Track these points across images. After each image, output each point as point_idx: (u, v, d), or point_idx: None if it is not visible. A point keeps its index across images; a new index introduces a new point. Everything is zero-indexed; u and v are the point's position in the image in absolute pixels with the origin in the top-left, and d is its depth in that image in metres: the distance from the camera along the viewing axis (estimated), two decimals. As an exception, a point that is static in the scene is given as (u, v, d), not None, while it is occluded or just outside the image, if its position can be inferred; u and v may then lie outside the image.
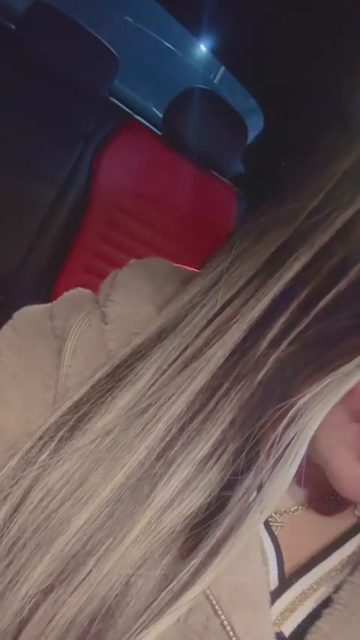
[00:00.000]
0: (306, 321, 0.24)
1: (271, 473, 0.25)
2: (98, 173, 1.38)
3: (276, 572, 0.31)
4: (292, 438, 0.24)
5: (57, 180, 1.37)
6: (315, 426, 0.24)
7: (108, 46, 1.40)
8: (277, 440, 0.24)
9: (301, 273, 0.25)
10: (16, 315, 0.37)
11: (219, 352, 0.26)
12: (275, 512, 0.33)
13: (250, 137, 1.50)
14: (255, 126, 1.51)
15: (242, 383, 0.25)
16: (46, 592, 0.27)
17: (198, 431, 0.26)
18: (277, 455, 0.24)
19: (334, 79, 1.16)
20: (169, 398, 0.27)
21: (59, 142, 1.38)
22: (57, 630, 0.26)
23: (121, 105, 1.58)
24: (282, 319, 0.24)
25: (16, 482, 0.28)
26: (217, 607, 0.28)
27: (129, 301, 0.35)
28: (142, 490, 0.27)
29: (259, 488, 0.26)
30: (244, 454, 0.26)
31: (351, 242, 0.23)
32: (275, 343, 0.25)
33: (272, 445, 0.24)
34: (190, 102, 1.41)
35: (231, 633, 0.27)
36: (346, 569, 0.31)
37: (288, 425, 0.24)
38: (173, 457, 0.27)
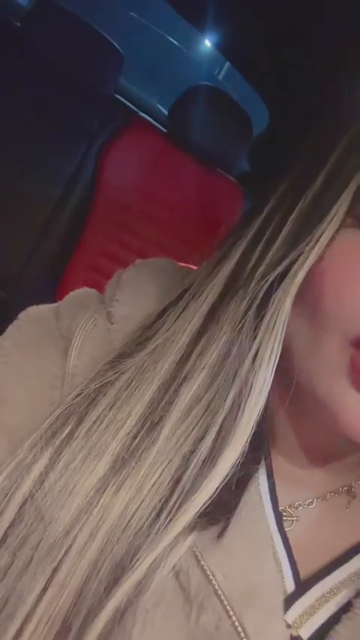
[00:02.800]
0: (279, 240, 0.30)
1: (258, 349, 0.29)
2: (103, 171, 1.38)
3: (290, 572, 0.30)
4: (271, 315, 0.29)
5: (62, 178, 1.37)
6: (288, 302, 0.28)
7: (113, 42, 1.39)
8: (257, 318, 0.29)
9: (273, 207, 0.32)
10: (22, 315, 0.37)
11: (217, 283, 0.31)
12: (289, 506, 0.33)
13: (255, 133, 1.49)
14: (260, 122, 1.50)
15: (237, 297, 0.30)
16: (98, 496, 0.28)
17: (207, 340, 0.30)
18: (261, 334, 0.29)
19: (340, 73, 1.15)
20: (184, 325, 0.31)
21: (64, 139, 1.38)
22: (104, 530, 0.28)
23: (126, 102, 1.58)
24: (261, 245, 0.31)
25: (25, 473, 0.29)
26: (228, 607, 0.28)
27: (134, 301, 0.35)
28: (171, 396, 0.29)
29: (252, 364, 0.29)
30: (243, 347, 0.29)
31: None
32: (258, 261, 0.30)
33: (254, 324, 0.29)
34: (195, 99, 1.40)
35: (242, 634, 0.27)
36: None
37: (261, 307, 0.29)
38: (191, 365, 0.30)
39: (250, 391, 0.28)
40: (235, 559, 0.29)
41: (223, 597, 0.28)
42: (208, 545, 0.29)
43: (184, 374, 0.30)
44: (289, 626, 0.29)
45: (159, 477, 0.28)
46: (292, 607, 0.29)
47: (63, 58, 1.32)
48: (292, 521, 0.33)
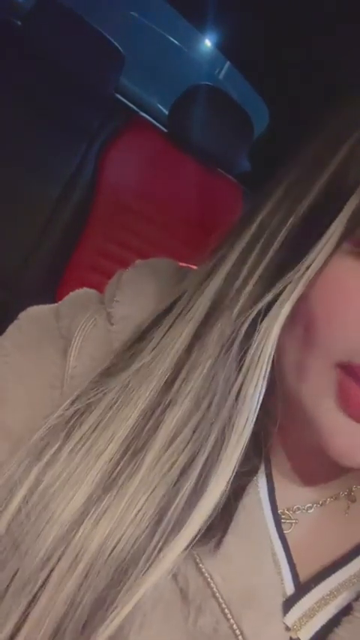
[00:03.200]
0: (265, 261, 0.29)
1: (243, 382, 0.28)
2: (103, 171, 1.38)
3: (289, 575, 0.30)
4: (258, 343, 0.27)
5: (62, 178, 1.37)
6: (275, 330, 0.27)
7: (114, 42, 1.39)
8: (244, 345, 0.28)
9: (257, 229, 0.30)
10: (22, 315, 0.37)
11: (203, 302, 0.30)
12: (288, 509, 0.33)
13: (256, 133, 1.49)
14: (261, 122, 1.50)
15: (222, 319, 0.29)
16: (77, 527, 0.27)
17: (192, 365, 0.29)
18: (247, 362, 0.28)
19: (341, 72, 1.15)
20: (168, 347, 0.30)
21: (64, 139, 1.38)
22: (84, 562, 0.27)
23: (126, 102, 1.58)
24: (247, 264, 0.30)
25: (25, 472, 0.28)
26: (226, 610, 0.28)
27: (134, 302, 0.35)
28: (155, 422, 0.28)
29: (236, 399, 0.28)
30: (229, 376, 0.28)
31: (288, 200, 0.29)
32: (244, 282, 0.29)
33: (242, 356, 0.28)
34: (196, 99, 1.40)
35: (240, 637, 0.27)
36: None
37: (249, 334, 0.28)
38: (176, 391, 0.29)
39: (235, 423, 0.28)
40: (233, 562, 0.29)
41: (221, 600, 0.28)
42: (205, 549, 0.29)
43: (168, 399, 0.29)
44: (288, 628, 0.29)
45: (141, 507, 0.27)
46: (291, 609, 0.29)
47: (63, 58, 1.32)
48: (291, 524, 0.32)
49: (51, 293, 1.29)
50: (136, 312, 0.34)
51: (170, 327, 0.31)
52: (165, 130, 1.48)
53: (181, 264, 0.42)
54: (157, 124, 1.53)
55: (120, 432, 0.28)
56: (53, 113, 1.36)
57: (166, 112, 1.50)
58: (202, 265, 0.32)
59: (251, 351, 0.28)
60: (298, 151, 0.31)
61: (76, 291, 0.40)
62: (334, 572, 0.31)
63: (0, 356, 0.35)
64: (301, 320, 0.27)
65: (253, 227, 0.30)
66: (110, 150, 1.39)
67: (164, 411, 0.28)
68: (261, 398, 0.28)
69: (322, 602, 0.30)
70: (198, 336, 0.29)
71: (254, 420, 0.28)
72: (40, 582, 0.27)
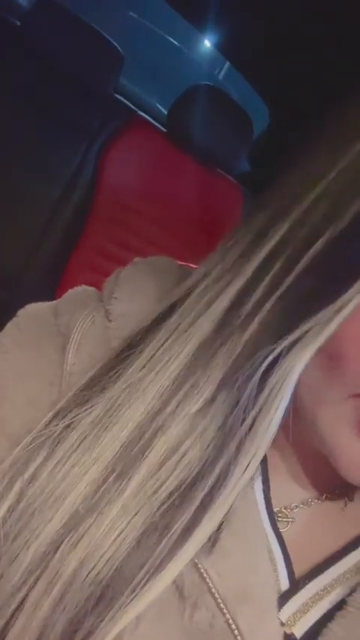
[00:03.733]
0: (285, 284, 0.26)
1: (256, 419, 0.26)
2: (103, 170, 1.38)
3: (285, 572, 0.30)
4: (276, 383, 0.25)
5: (62, 178, 1.37)
6: (297, 371, 0.25)
7: (113, 42, 1.40)
8: (260, 385, 0.25)
9: (279, 244, 0.27)
10: (21, 312, 0.37)
11: (208, 320, 0.28)
12: (285, 507, 0.33)
13: (256, 133, 1.49)
14: (260, 122, 1.50)
15: (229, 343, 0.27)
16: (55, 549, 0.26)
17: (192, 386, 0.27)
18: (262, 400, 0.26)
19: (340, 73, 1.15)
20: (164, 364, 0.28)
21: (64, 139, 1.38)
22: (60, 585, 0.26)
23: (126, 102, 1.58)
24: (264, 283, 0.26)
25: (22, 467, 0.28)
26: (222, 605, 0.28)
27: (133, 299, 0.35)
28: (143, 445, 0.27)
29: (246, 435, 0.26)
30: (236, 409, 0.26)
31: (318, 213, 0.26)
32: (259, 304, 0.26)
33: (257, 392, 0.26)
34: (195, 99, 1.40)
35: (236, 632, 0.27)
36: None
37: (270, 368, 0.25)
38: (170, 413, 0.27)
39: (239, 461, 0.26)
40: (229, 558, 0.29)
41: (217, 595, 0.28)
42: (202, 545, 0.28)
43: (160, 421, 0.27)
44: (282, 624, 0.29)
45: (121, 532, 0.26)
46: (285, 605, 0.29)
47: (63, 58, 1.33)
48: (288, 522, 0.32)
49: (51, 292, 1.29)
50: (134, 310, 0.34)
51: (167, 340, 0.29)
52: (164, 130, 1.49)
53: (180, 263, 0.42)
54: (157, 124, 1.54)
55: (106, 452, 0.27)
56: (53, 113, 1.36)
57: (166, 112, 1.50)
58: (207, 269, 0.30)
59: (270, 384, 0.25)
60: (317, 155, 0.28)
61: (75, 288, 0.40)
62: (327, 568, 0.31)
63: None
64: (326, 350, 0.25)
65: (273, 241, 0.27)
66: (110, 150, 1.39)
67: (154, 434, 0.27)
68: (272, 438, 0.26)
69: (316, 597, 0.30)
70: (199, 357, 0.27)
71: (260, 459, 0.27)
72: (14, 606, 0.26)
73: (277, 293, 0.26)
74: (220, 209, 1.43)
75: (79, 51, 1.34)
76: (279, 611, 0.29)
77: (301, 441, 0.32)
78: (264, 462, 0.33)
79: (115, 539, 0.26)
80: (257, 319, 0.26)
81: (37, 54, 1.32)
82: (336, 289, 0.24)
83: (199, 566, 0.28)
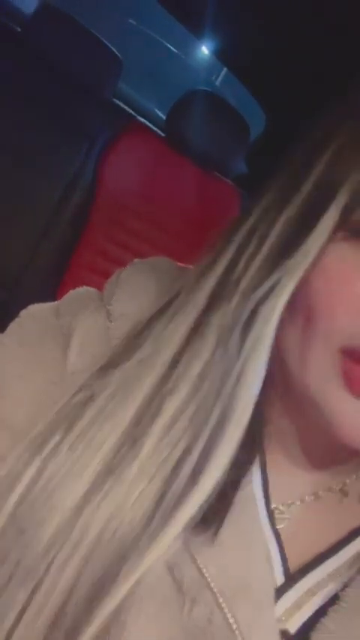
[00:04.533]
0: (263, 252, 0.30)
1: (242, 370, 0.28)
2: (102, 174, 1.39)
3: (280, 567, 0.31)
4: (257, 334, 0.28)
5: (62, 181, 1.37)
6: (274, 320, 0.28)
7: (112, 48, 1.41)
8: (242, 338, 0.28)
9: (256, 222, 0.31)
10: (23, 313, 0.38)
11: (203, 294, 0.31)
12: (282, 504, 0.33)
13: (253, 136, 1.50)
14: (257, 126, 1.51)
15: (221, 311, 0.30)
16: (79, 511, 0.28)
17: (193, 354, 0.29)
18: (246, 352, 0.28)
19: (336, 77, 1.16)
20: (169, 338, 0.30)
21: (64, 142, 1.39)
22: (86, 545, 0.27)
23: (124, 107, 1.59)
24: (247, 252, 0.30)
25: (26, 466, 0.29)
26: (220, 600, 0.28)
27: (133, 299, 0.36)
28: (154, 411, 0.29)
29: (236, 384, 0.28)
30: (226, 365, 0.29)
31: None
32: (244, 271, 0.30)
33: (241, 345, 0.28)
34: (193, 104, 1.41)
35: (234, 626, 0.28)
36: (355, 565, 0.31)
37: (248, 322, 0.28)
38: (175, 378, 0.29)
39: (234, 409, 0.28)
40: (227, 554, 0.29)
41: (215, 590, 0.28)
42: (200, 541, 0.29)
43: (168, 387, 0.29)
44: (278, 619, 0.29)
45: (140, 493, 0.28)
46: (279, 600, 0.30)
47: (63, 63, 1.34)
48: (284, 519, 0.33)
49: (51, 293, 1.29)
50: (134, 310, 0.35)
51: (170, 321, 0.31)
52: (162, 135, 1.50)
53: (179, 264, 0.42)
54: (155, 129, 1.55)
55: (121, 422, 0.29)
56: (53, 117, 1.37)
57: (164, 117, 1.51)
58: (200, 262, 0.33)
59: (251, 338, 0.28)
60: (289, 154, 0.32)
61: (77, 289, 0.40)
62: (322, 563, 0.31)
63: (1, 353, 0.35)
64: (300, 310, 0.28)
65: (249, 223, 0.31)
66: (109, 153, 1.40)
67: (163, 399, 0.29)
68: (260, 383, 0.28)
69: (310, 592, 0.30)
70: (197, 327, 0.30)
71: (253, 406, 0.28)
72: (42, 569, 0.27)
73: (256, 260, 0.29)
74: (217, 210, 1.44)
75: (79, 56, 1.35)
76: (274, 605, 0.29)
77: (298, 434, 0.33)
78: (262, 457, 0.33)
79: (135, 500, 0.28)
80: (241, 286, 0.29)
81: (38, 59, 1.33)
82: (296, 246, 0.28)
83: (199, 561, 0.29)
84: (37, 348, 0.35)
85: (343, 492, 0.34)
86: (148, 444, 0.28)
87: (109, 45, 1.41)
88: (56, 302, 0.39)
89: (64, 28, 1.34)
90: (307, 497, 0.34)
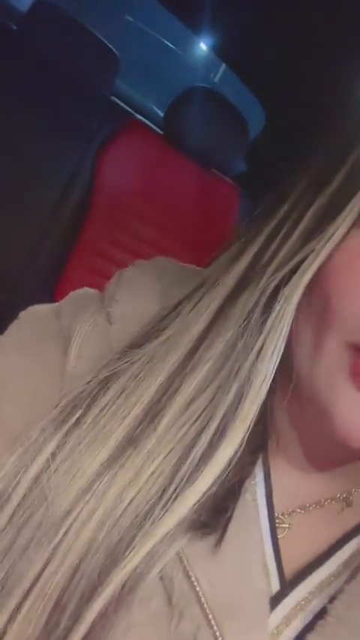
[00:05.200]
0: (296, 234, 0.30)
1: (263, 346, 0.29)
2: (100, 172, 1.38)
3: (278, 584, 0.30)
4: (278, 311, 0.29)
5: (60, 179, 1.37)
6: (296, 298, 0.29)
7: (109, 45, 1.40)
8: (264, 315, 0.29)
9: (291, 206, 0.32)
10: (23, 314, 0.37)
11: (232, 277, 0.32)
12: (283, 513, 0.33)
13: (252, 134, 1.49)
14: (256, 123, 1.51)
15: (248, 292, 0.30)
16: (98, 480, 0.29)
17: (216, 334, 0.30)
18: (268, 328, 0.29)
19: (336, 74, 1.16)
20: (195, 318, 0.31)
21: (61, 141, 1.38)
22: (101, 511, 0.28)
23: (122, 104, 1.58)
24: (279, 237, 0.31)
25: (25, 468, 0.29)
26: (210, 616, 0.27)
27: (134, 301, 0.35)
28: (174, 388, 0.30)
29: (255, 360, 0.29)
30: (246, 342, 0.30)
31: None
32: (274, 254, 0.31)
33: (262, 322, 0.29)
34: (191, 101, 1.41)
35: None
36: (343, 574, 0.30)
37: (272, 300, 0.29)
38: (198, 358, 0.30)
39: (251, 385, 0.29)
40: (223, 568, 0.29)
41: (205, 606, 0.28)
42: (196, 552, 0.29)
43: (190, 366, 0.30)
44: (270, 634, 0.28)
45: (157, 466, 0.28)
46: (273, 611, 0.29)
47: (59, 61, 1.33)
48: (285, 528, 0.32)
49: (49, 294, 1.29)
50: (135, 311, 0.34)
51: (197, 302, 0.32)
52: (161, 132, 1.49)
53: (182, 264, 0.42)
54: (154, 126, 1.54)
55: (144, 397, 0.30)
56: (50, 116, 1.36)
57: (162, 115, 1.51)
58: (228, 250, 0.33)
59: (272, 316, 0.29)
60: (324, 140, 0.33)
61: (78, 290, 0.40)
62: (308, 575, 0.30)
63: (0, 354, 0.35)
64: (318, 296, 0.28)
65: (282, 211, 0.32)
66: (107, 151, 1.39)
67: (185, 377, 0.30)
68: (278, 360, 0.29)
69: (298, 607, 0.29)
70: (223, 309, 0.31)
71: (270, 381, 0.29)
72: (62, 531, 0.28)
73: (287, 245, 0.30)
74: (217, 209, 1.43)
75: (76, 53, 1.34)
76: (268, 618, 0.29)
77: (305, 442, 0.32)
78: (267, 466, 0.33)
79: (153, 472, 0.28)
80: (269, 270, 0.30)
81: (34, 57, 1.33)
82: (321, 228, 0.29)
83: (191, 574, 0.28)
84: (37, 349, 0.35)
85: (347, 502, 0.34)
86: (167, 417, 0.29)
87: (106, 41, 1.40)
88: (57, 303, 0.39)
89: (60, 25, 1.34)
90: (308, 506, 0.33)
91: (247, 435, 0.29)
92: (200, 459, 0.28)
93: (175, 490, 0.28)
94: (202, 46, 2.42)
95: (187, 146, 1.40)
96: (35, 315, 0.37)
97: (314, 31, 1.15)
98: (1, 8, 1.52)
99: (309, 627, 0.28)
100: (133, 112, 1.59)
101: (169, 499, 0.28)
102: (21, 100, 1.33)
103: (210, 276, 0.33)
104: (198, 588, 0.28)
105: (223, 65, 2.32)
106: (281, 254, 0.30)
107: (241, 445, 0.29)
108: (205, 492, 0.28)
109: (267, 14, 1.20)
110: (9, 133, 1.31)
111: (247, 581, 0.29)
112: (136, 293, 0.36)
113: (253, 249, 0.32)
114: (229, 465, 0.28)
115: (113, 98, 1.56)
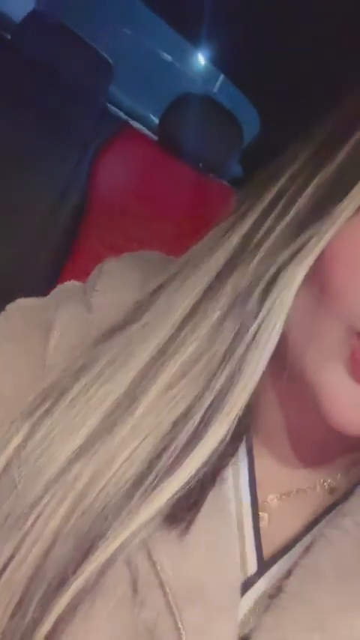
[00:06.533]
0: (292, 210, 0.28)
1: (258, 332, 0.27)
2: (96, 178, 1.39)
3: (255, 567, 0.29)
4: (277, 296, 0.27)
5: (56, 187, 1.37)
6: (296, 283, 0.26)
7: (101, 52, 1.42)
8: (261, 299, 0.27)
9: (286, 182, 0.30)
10: (10, 306, 0.37)
11: (222, 254, 0.29)
12: (267, 500, 0.32)
13: (248, 138, 1.50)
14: (252, 127, 1.51)
15: (238, 270, 0.28)
16: (70, 466, 0.28)
17: (202, 316, 0.28)
18: (264, 313, 0.27)
19: (335, 82, 1.16)
20: (180, 299, 0.29)
21: (56, 149, 1.39)
22: (71, 499, 0.27)
23: (118, 111, 1.60)
24: (273, 214, 0.29)
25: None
26: (172, 603, 0.27)
27: (115, 290, 0.35)
28: (155, 370, 0.28)
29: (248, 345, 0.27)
30: (240, 327, 0.27)
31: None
32: (268, 232, 0.29)
33: (259, 306, 0.27)
34: (185, 106, 1.42)
35: (182, 632, 0.26)
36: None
37: (271, 284, 0.27)
38: (181, 341, 0.28)
39: (241, 373, 0.27)
40: (189, 554, 0.28)
41: (167, 591, 0.27)
42: (162, 537, 0.28)
43: (171, 349, 0.28)
44: (241, 622, 0.28)
45: (132, 452, 0.27)
46: (248, 592, 0.28)
47: (54, 69, 1.34)
48: (266, 516, 0.31)
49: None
50: (115, 300, 0.34)
51: (181, 284, 0.30)
52: (156, 138, 1.50)
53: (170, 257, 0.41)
54: (149, 133, 1.56)
55: (122, 382, 0.28)
56: (46, 123, 1.37)
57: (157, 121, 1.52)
58: (220, 223, 0.31)
59: (269, 301, 0.27)
60: (328, 114, 0.31)
61: (64, 283, 0.40)
62: (282, 557, 0.30)
63: None
64: (318, 279, 0.26)
65: (278, 184, 0.30)
66: (103, 158, 1.40)
67: (165, 360, 0.28)
68: (273, 348, 0.27)
69: (264, 595, 0.28)
70: (209, 290, 0.29)
71: (262, 372, 0.27)
72: (30, 521, 0.27)
73: (283, 222, 0.28)
74: (214, 212, 1.43)
75: (69, 62, 1.35)
76: (242, 596, 0.28)
77: (292, 429, 0.32)
78: (250, 450, 0.32)
79: (127, 458, 0.27)
80: (263, 248, 0.28)
81: (28, 66, 1.34)
82: (324, 212, 0.26)
83: (155, 559, 0.28)
84: (22, 341, 0.34)
85: (331, 487, 0.33)
86: (144, 402, 0.28)
87: (99, 49, 1.41)
88: (45, 297, 0.39)
89: (53, 34, 1.36)
90: (292, 492, 0.32)
91: (232, 427, 0.27)
92: (181, 449, 0.27)
93: (153, 481, 0.27)
94: (200, 58, 2.44)
95: (181, 150, 1.41)
96: (22, 308, 0.38)
97: (312, 40, 1.16)
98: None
99: (266, 607, 0.27)
100: (128, 118, 1.61)
101: (146, 489, 0.26)
102: (16, 108, 1.35)
103: (195, 256, 0.31)
104: (161, 574, 0.27)
105: (221, 77, 2.35)
106: (274, 234, 0.28)
107: (226, 437, 0.27)
108: (185, 485, 0.27)
109: (264, 24, 1.22)
110: (4, 140, 1.32)
111: (215, 567, 0.28)
112: (116, 282, 0.36)
113: (244, 227, 0.29)
114: (211, 457, 0.27)
115: (110, 106, 1.57)
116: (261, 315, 0.27)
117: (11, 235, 1.35)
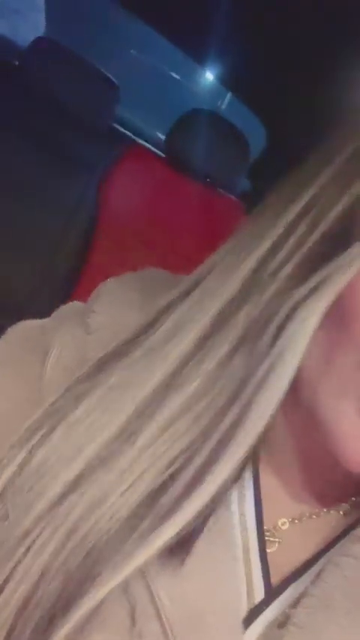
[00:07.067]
0: (309, 242, 0.26)
1: (270, 371, 0.25)
2: (105, 201, 1.40)
3: (263, 594, 0.28)
4: (292, 333, 0.25)
5: (65, 208, 1.39)
6: (313, 321, 0.24)
7: (107, 74, 1.44)
8: (275, 337, 0.25)
9: (305, 207, 0.27)
10: (10, 330, 0.37)
11: (234, 282, 0.28)
12: (274, 527, 0.31)
13: (255, 153, 1.51)
14: (259, 142, 1.52)
15: (251, 303, 0.27)
16: (64, 497, 0.26)
17: (210, 347, 0.27)
18: (277, 352, 0.25)
19: (341, 97, 1.17)
20: (188, 327, 0.27)
21: (65, 171, 1.41)
22: (63, 532, 0.26)
23: (125, 131, 1.62)
24: (289, 244, 0.27)
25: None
26: (169, 632, 0.25)
27: (112, 311, 0.34)
28: (158, 403, 0.27)
29: (257, 387, 0.25)
30: (251, 364, 0.26)
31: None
32: (282, 264, 0.27)
33: (272, 344, 0.25)
34: (191, 123, 1.43)
35: None
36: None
37: (286, 321, 0.25)
38: (187, 373, 0.27)
39: (250, 412, 0.25)
40: (189, 582, 0.27)
41: (164, 621, 0.26)
42: (161, 564, 0.26)
43: (177, 381, 0.27)
44: None
45: (128, 487, 0.26)
46: (255, 622, 0.27)
47: (60, 93, 1.37)
48: (275, 542, 0.30)
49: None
50: (113, 321, 0.33)
51: (192, 305, 0.28)
52: (163, 156, 1.51)
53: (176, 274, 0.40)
54: (157, 150, 1.57)
55: (120, 414, 0.27)
56: (53, 146, 1.39)
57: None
58: (231, 242, 0.30)
59: (283, 339, 0.25)
60: (334, 126, 0.29)
61: (66, 304, 0.39)
62: (291, 584, 0.28)
63: None
64: (337, 312, 0.24)
65: (296, 207, 0.27)
66: (110, 179, 1.41)
67: (169, 393, 0.27)
68: (286, 387, 0.25)
69: (274, 624, 0.27)
70: (222, 316, 0.27)
71: (270, 415, 0.25)
72: (22, 550, 0.26)
73: (301, 251, 0.26)
74: (223, 228, 1.43)
75: (75, 86, 1.38)
76: (250, 625, 0.27)
77: (300, 453, 0.31)
78: (256, 477, 0.31)
79: (121, 494, 0.26)
80: (279, 277, 0.26)
81: (36, 90, 1.37)
82: (348, 242, 0.25)
83: (152, 588, 0.26)
84: (20, 364, 0.34)
85: (344, 511, 0.32)
86: (144, 437, 0.26)
87: (104, 71, 1.43)
88: (45, 319, 0.38)
89: (60, 58, 1.38)
90: (303, 517, 0.31)
91: (237, 468, 0.25)
92: (181, 490, 0.25)
93: (149, 523, 0.25)
94: (208, 75, 2.47)
95: (189, 167, 1.42)
96: (23, 330, 0.37)
97: (317, 57, 1.16)
98: (2, 45, 1.59)
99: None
100: (137, 139, 1.62)
101: (142, 533, 0.25)
102: (23, 132, 1.37)
103: (204, 277, 0.29)
104: (158, 603, 0.26)
105: (229, 95, 2.37)
106: (293, 261, 0.26)
107: (229, 479, 0.25)
108: (184, 527, 0.25)
109: (271, 41, 1.23)
110: (11, 167, 1.34)
111: (216, 595, 0.27)
112: (114, 303, 0.35)
113: (259, 251, 0.27)
114: (213, 498, 0.25)
115: (116, 126, 1.59)
116: (273, 354, 0.25)
117: (23, 260, 1.36)
